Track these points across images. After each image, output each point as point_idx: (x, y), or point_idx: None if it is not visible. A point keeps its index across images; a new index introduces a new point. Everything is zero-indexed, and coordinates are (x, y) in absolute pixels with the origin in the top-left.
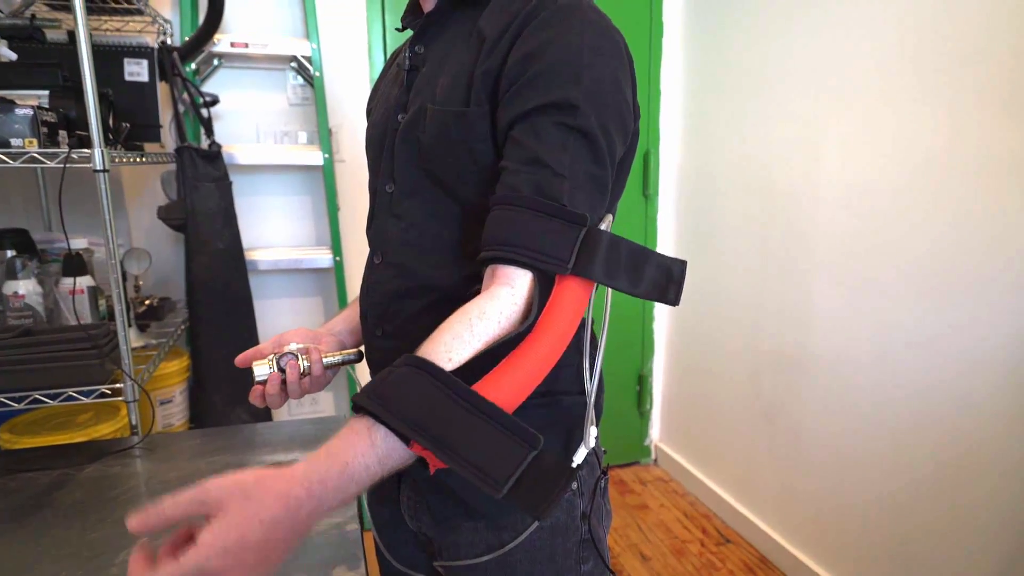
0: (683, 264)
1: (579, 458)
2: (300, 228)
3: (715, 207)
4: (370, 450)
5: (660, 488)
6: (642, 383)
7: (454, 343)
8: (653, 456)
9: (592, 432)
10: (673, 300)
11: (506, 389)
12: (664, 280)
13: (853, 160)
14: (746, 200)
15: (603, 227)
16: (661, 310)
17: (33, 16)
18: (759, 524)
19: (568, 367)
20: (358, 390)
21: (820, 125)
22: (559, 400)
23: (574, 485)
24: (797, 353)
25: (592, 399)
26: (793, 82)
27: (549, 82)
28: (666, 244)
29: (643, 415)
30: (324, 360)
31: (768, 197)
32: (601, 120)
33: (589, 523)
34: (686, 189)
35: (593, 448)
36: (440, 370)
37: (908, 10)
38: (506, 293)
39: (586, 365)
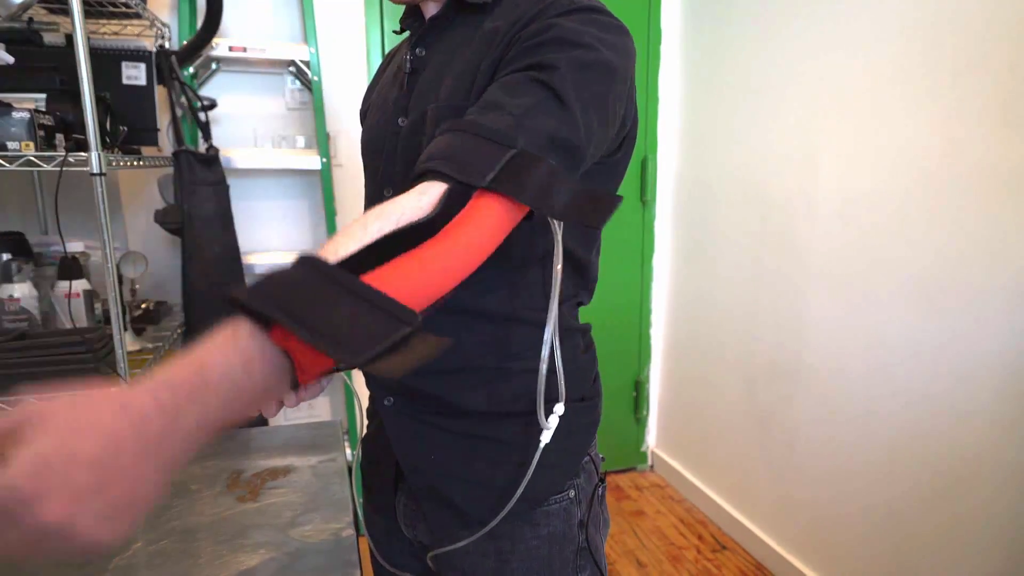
0: (616, 200)
1: (545, 438)
2: (297, 232)
3: (712, 215)
4: (231, 349)
5: (656, 494)
6: (639, 389)
7: (344, 240)
8: (649, 462)
9: (557, 410)
10: (595, 223)
11: (392, 280)
12: (589, 204)
13: (849, 171)
14: (743, 209)
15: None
16: (658, 316)
17: (31, 19)
18: (755, 531)
19: (525, 331)
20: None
21: (817, 135)
22: (509, 375)
23: (571, 493)
24: (792, 362)
25: (544, 368)
26: (791, 92)
27: (539, 50)
28: (663, 251)
29: (639, 421)
30: None
31: (764, 206)
32: (580, 94)
33: (587, 532)
34: (683, 196)
35: (590, 455)
36: (318, 259)
37: (906, 21)
38: (412, 197)
39: (547, 337)
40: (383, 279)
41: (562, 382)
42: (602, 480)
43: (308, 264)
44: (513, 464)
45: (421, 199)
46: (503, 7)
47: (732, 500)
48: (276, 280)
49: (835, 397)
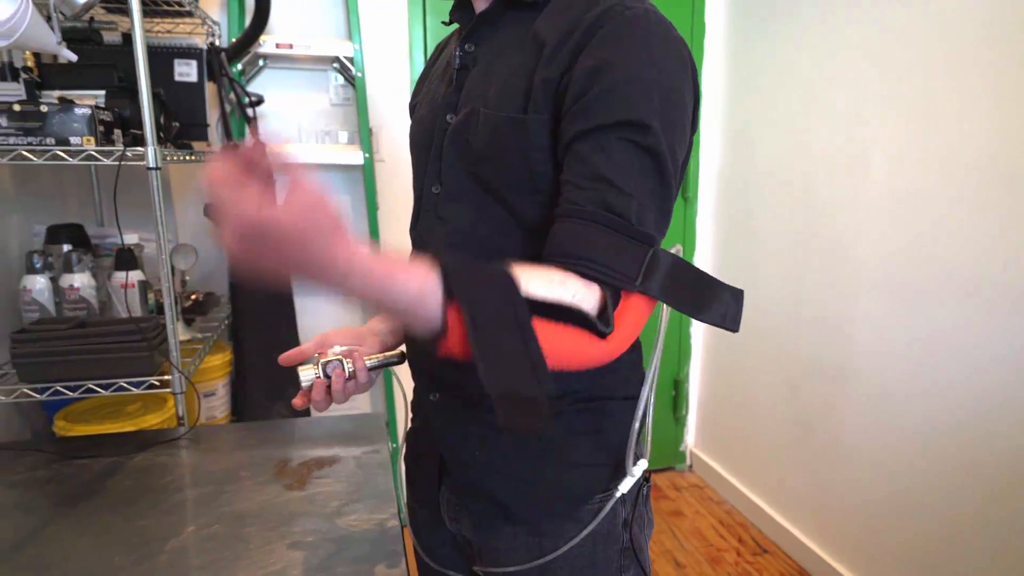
0: (741, 293)
1: (625, 487)
2: None
3: (754, 212)
4: (416, 284)
5: (695, 495)
6: (678, 388)
7: (535, 280)
8: (688, 462)
9: (641, 464)
10: (732, 327)
11: (555, 342)
12: (723, 308)
13: (900, 167)
14: (787, 206)
15: (672, 251)
16: None
17: (92, 19)
18: (797, 535)
19: (614, 371)
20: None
21: (867, 131)
22: (605, 405)
23: (617, 493)
24: (836, 364)
25: (638, 425)
26: (839, 86)
27: (618, 100)
28: (704, 248)
29: (678, 420)
30: (367, 363)
31: (809, 204)
32: (669, 140)
33: (631, 531)
34: (725, 193)
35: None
36: (516, 284)
37: (960, 12)
38: (582, 285)
39: (641, 401)
40: (548, 335)
41: (635, 435)
42: (647, 479)
43: (508, 281)
44: (557, 462)
45: (588, 293)
46: (553, 7)
47: (773, 503)
48: (476, 270)
49: (882, 401)
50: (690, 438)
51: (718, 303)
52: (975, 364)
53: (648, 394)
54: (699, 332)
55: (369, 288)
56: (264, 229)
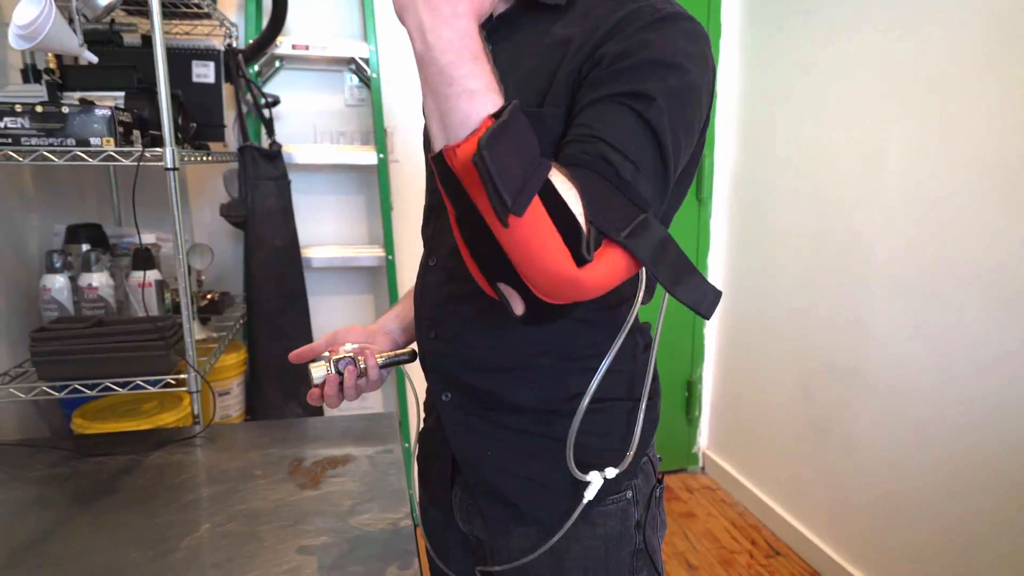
0: (720, 293)
1: (590, 493)
2: (354, 226)
3: (769, 213)
4: (484, 84)
5: (708, 496)
6: (691, 389)
7: (558, 174)
8: (701, 464)
9: (610, 471)
10: (706, 313)
11: (539, 225)
12: (700, 295)
13: (917, 165)
14: (802, 207)
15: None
16: (713, 317)
17: (112, 21)
18: (811, 537)
19: (619, 373)
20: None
21: (883, 129)
22: (613, 407)
23: (628, 494)
24: (851, 366)
25: (639, 428)
26: (855, 84)
27: (633, 75)
28: (718, 249)
29: (691, 422)
30: (378, 360)
31: (824, 203)
32: (673, 124)
33: (644, 533)
34: (740, 194)
35: (648, 456)
36: (548, 164)
37: (978, 9)
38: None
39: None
40: (536, 216)
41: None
42: (660, 481)
43: (542, 161)
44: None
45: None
46: (576, 11)
47: (786, 505)
48: (525, 133)
49: (898, 402)
50: (703, 440)
51: (697, 288)
52: (991, 364)
53: (643, 399)
54: (712, 334)
55: (458, 51)
56: None
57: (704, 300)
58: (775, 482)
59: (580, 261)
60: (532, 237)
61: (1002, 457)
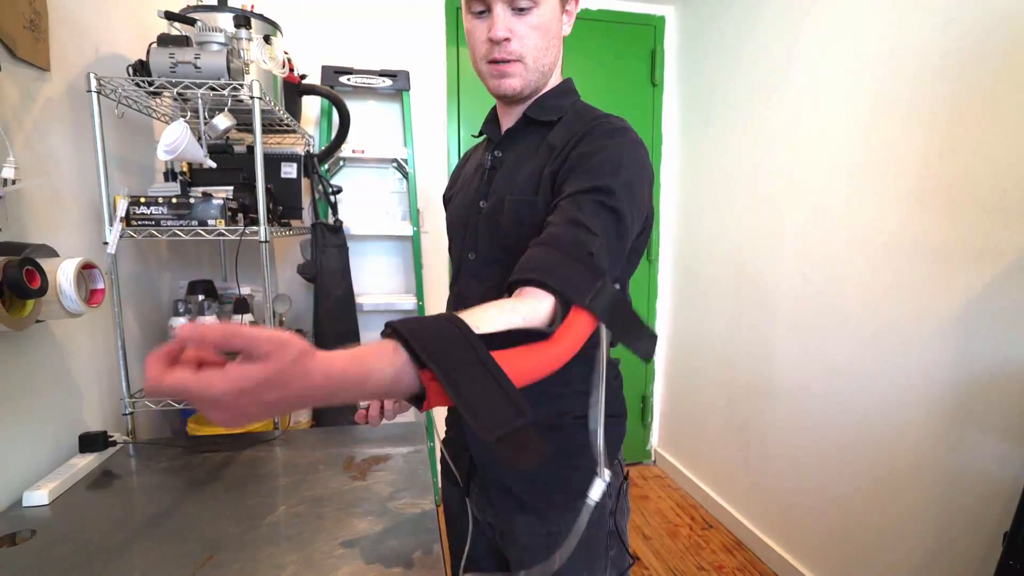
0: (656, 336)
1: (596, 494)
2: (395, 280)
3: (701, 270)
4: (390, 367)
5: (658, 483)
6: (645, 402)
7: (483, 316)
8: (653, 458)
9: (605, 472)
10: (645, 357)
11: (516, 364)
12: (642, 343)
13: (808, 236)
14: (725, 266)
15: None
16: (660, 348)
17: (228, 137)
18: (735, 514)
19: (575, 396)
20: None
21: (782, 211)
22: (563, 425)
23: (603, 487)
24: (764, 384)
25: (600, 438)
26: (760, 173)
27: (595, 174)
28: (664, 298)
29: (646, 426)
30: None
31: (742, 263)
32: (629, 208)
33: (615, 518)
34: (679, 255)
35: (618, 458)
36: (466, 325)
37: (846, 104)
38: (531, 304)
39: (597, 410)
40: (508, 360)
41: (601, 445)
42: (626, 478)
43: (460, 328)
44: (562, 465)
45: (539, 307)
46: (562, 124)
47: (717, 489)
48: (432, 330)
49: (798, 412)
50: (655, 440)
51: (640, 337)
52: (865, 385)
53: (598, 413)
54: (661, 360)
55: (352, 391)
56: (242, 389)
57: (644, 347)
58: (709, 472)
59: (546, 336)
60: (517, 371)
61: (872, 450)
